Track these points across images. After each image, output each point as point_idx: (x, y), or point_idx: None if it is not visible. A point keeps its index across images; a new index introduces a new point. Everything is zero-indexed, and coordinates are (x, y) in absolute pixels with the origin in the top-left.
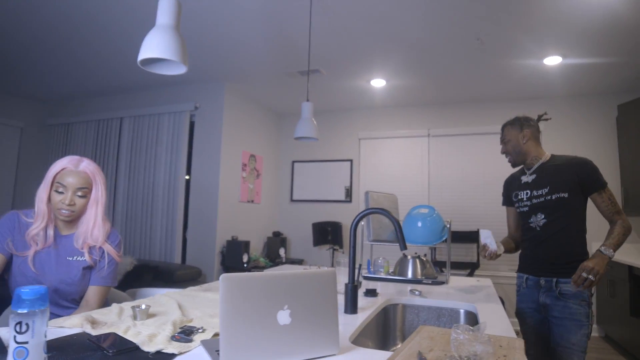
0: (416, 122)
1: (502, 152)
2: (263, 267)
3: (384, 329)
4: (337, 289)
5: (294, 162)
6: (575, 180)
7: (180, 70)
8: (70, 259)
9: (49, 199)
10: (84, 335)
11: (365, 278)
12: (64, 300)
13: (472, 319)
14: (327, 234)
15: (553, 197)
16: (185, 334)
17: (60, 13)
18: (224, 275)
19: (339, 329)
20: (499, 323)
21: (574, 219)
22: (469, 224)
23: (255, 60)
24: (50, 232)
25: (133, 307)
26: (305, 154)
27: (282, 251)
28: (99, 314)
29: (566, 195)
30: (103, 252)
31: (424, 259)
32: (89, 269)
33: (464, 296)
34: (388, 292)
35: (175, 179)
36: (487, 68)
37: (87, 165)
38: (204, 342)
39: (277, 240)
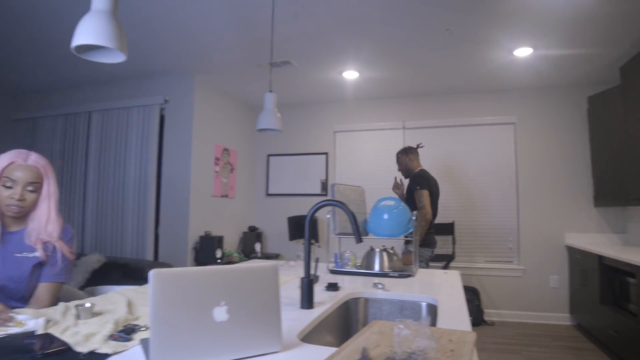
0: (391, 115)
1: (399, 170)
2: (237, 262)
3: (345, 324)
4: (279, 283)
5: (269, 155)
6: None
7: (119, 58)
8: (19, 255)
9: None
10: (17, 336)
11: (332, 272)
12: (11, 300)
13: (434, 312)
14: (303, 228)
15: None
16: (126, 332)
17: (20, 2)
18: (154, 271)
19: (290, 325)
20: (456, 315)
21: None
22: (444, 216)
23: (226, 52)
24: None
25: (76, 306)
26: (281, 148)
27: (257, 246)
28: (45, 313)
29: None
30: (54, 248)
31: (391, 251)
32: (39, 265)
33: (428, 289)
34: (353, 286)
35: (146, 174)
36: (458, 60)
37: (36, 159)
38: (143, 341)
39: (252, 235)
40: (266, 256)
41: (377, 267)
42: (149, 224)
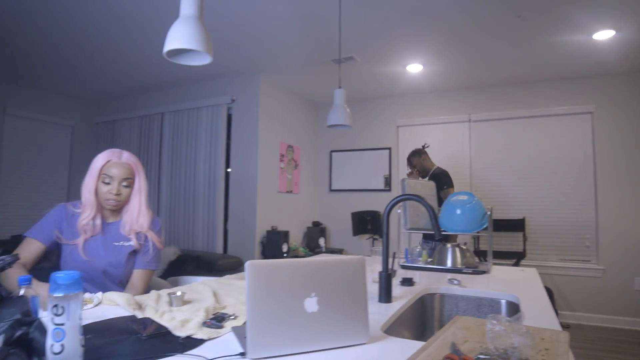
0: (456, 107)
1: (414, 171)
2: (303, 256)
3: (421, 319)
4: (366, 276)
5: (332, 151)
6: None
7: (205, 60)
8: (117, 244)
9: (96, 191)
10: (122, 319)
11: (403, 267)
12: (112, 284)
13: (515, 311)
14: (366, 223)
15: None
16: (217, 320)
17: (102, 14)
18: (250, 262)
19: (372, 318)
20: (542, 315)
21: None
22: (514, 211)
23: (289, 50)
24: (98, 221)
25: (169, 294)
26: (343, 143)
27: (321, 241)
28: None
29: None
30: (146, 237)
31: (464, 247)
32: (133, 253)
33: (506, 286)
34: (426, 282)
35: (215, 171)
36: (530, 46)
37: (128, 157)
38: (235, 329)
39: (316, 230)
40: (330, 251)
41: (449, 263)
42: (218, 218)
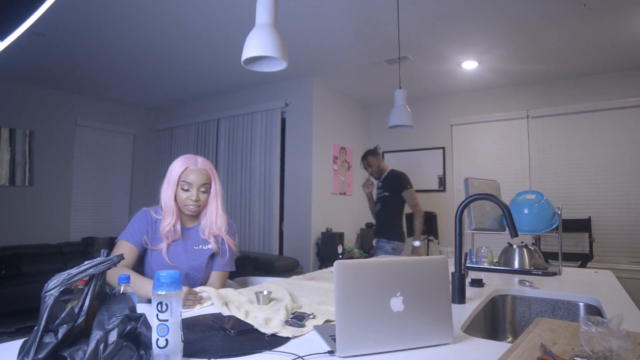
0: (513, 104)
1: (369, 174)
2: (358, 258)
3: (493, 321)
4: (449, 275)
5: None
6: (393, 185)
7: (280, 66)
8: (197, 248)
9: (175, 197)
10: (207, 317)
11: (467, 268)
12: (192, 287)
13: (595, 314)
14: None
15: (382, 195)
16: (298, 319)
17: (160, 32)
18: (338, 262)
19: None
20: (631, 318)
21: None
22: (578, 211)
23: (342, 53)
24: (178, 226)
25: (256, 293)
26: (396, 144)
27: (375, 242)
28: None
29: (388, 194)
30: (223, 240)
31: (532, 248)
32: (212, 256)
33: (581, 288)
34: (494, 283)
35: (270, 174)
36: (596, 36)
37: (203, 162)
38: (317, 328)
39: (370, 232)
40: None
41: (517, 264)
42: (274, 220)
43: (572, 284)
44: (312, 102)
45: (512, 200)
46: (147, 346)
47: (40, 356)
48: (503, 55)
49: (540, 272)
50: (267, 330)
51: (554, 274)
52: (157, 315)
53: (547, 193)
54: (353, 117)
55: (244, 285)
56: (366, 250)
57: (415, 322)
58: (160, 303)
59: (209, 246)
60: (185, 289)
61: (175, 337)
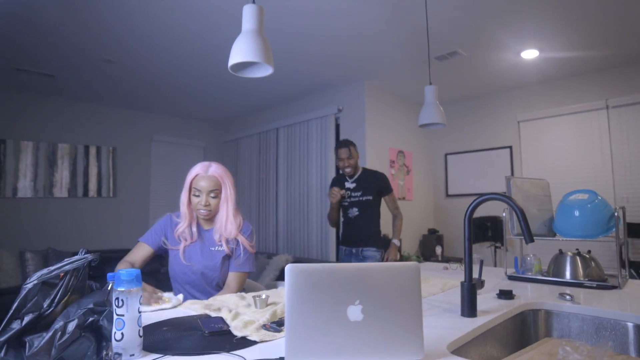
0: (588, 94)
1: (346, 166)
2: None
3: (519, 339)
4: (420, 284)
5: (446, 154)
6: (375, 187)
7: (266, 71)
8: (213, 249)
9: (189, 202)
10: (195, 317)
11: (510, 278)
12: (209, 286)
13: None
14: (486, 230)
15: (363, 199)
16: (277, 324)
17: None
18: (289, 265)
19: (443, 333)
20: None
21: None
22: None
23: (390, 53)
24: (194, 229)
25: (254, 296)
26: (459, 145)
27: (438, 249)
28: (220, 301)
29: (371, 197)
30: (237, 242)
31: (587, 256)
32: (226, 257)
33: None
34: (528, 295)
35: (327, 180)
36: None
37: (215, 169)
38: None
39: (432, 238)
40: (446, 259)
41: (568, 275)
42: (330, 228)
43: (629, 300)
44: (364, 105)
45: (561, 200)
46: (107, 339)
47: (2, 339)
48: (569, 39)
49: (594, 285)
50: (239, 332)
51: (614, 287)
52: (115, 310)
53: (635, 194)
54: (409, 118)
55: (274, 287)
56: (427, 257)
57: (375, 333)
58: (117, 299)
59: (222, 248)
60: (148, 287)
61: (132, 332)
